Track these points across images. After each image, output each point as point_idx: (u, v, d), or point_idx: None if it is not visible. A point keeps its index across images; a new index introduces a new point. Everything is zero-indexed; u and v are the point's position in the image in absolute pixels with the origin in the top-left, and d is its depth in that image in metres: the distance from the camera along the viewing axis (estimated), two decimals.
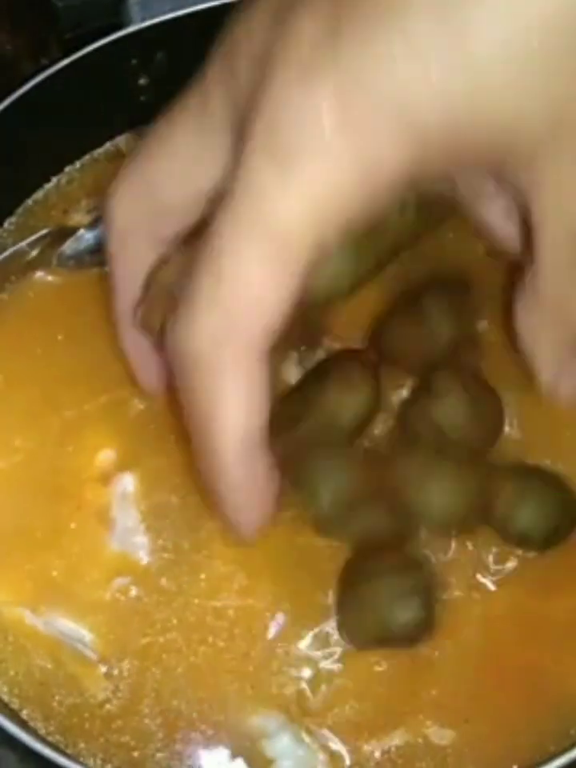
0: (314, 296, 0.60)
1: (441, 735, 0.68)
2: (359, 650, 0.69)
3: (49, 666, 0.70)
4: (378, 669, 0.69)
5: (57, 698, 0.70)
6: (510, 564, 0.71)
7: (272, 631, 0.70)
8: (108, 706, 0.69)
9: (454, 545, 0.71)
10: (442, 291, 0.74)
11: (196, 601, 0.71)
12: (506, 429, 0.73)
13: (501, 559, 0.71)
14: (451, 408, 0.70)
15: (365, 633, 0.68)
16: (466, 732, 0.68)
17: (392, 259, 0.65)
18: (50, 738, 0.69)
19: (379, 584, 0.67)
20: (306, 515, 0.69)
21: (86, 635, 0.70)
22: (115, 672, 0.70)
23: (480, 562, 0.71)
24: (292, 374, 0.74)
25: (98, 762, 0.68)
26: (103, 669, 0.70)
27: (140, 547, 0.72)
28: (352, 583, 0.69)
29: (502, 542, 0.70)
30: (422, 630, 0.67)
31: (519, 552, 0.70)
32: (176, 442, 0.74)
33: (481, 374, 0.73)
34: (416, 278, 0.75)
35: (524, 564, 0.71)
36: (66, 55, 0.82)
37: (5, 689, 0.70)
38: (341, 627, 0.69)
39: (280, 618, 0.70)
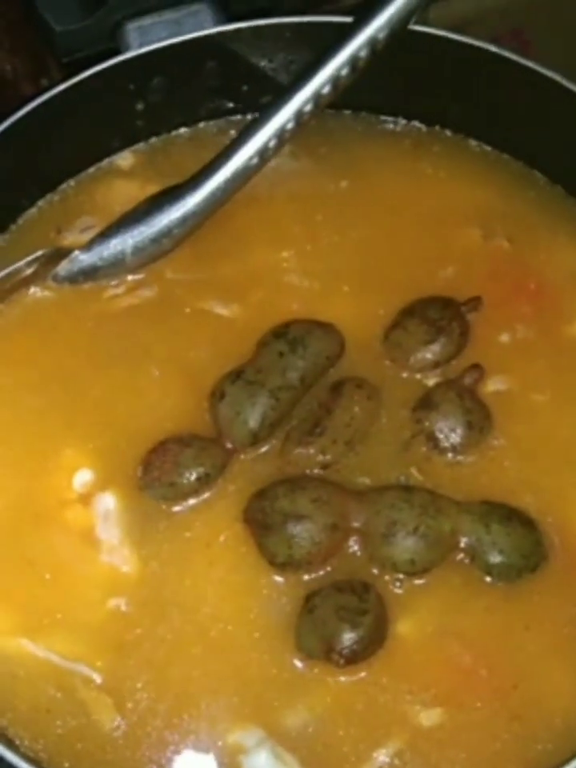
0: (235, 429, 0.75)
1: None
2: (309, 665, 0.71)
3: (58, 695, 0.71)
4: (357, 686, 0.70)
5: (58, 722, 0.70)
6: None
7: (249, 648, 0.71)
8: (102, 724, 0.70)
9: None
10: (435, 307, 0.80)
11: (185, 616, 0.72)
12: (494, 441, 0.77)
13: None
14: (444, 415, 0.76)
15: (312, 649, 0.70)
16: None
17: (286, 393, 0.76)
18: (42, 755, 0.70)
19: (328, 604, 0.70)
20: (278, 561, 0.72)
21: (86, 660, 0.71)
22: (115, 692, 0.71)
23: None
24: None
25: None
26: (102, 685, 0.71)
27: (127, 563, 0.73)
28: (309, 599, 0.71)
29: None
30: (364, 648, 0.70)
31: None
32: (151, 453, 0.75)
33: (476, 392, 0.77)
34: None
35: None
36: (66, 79, 0.83)
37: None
38: (297, 641, 0.71)
39: (257, 636, 0.72)
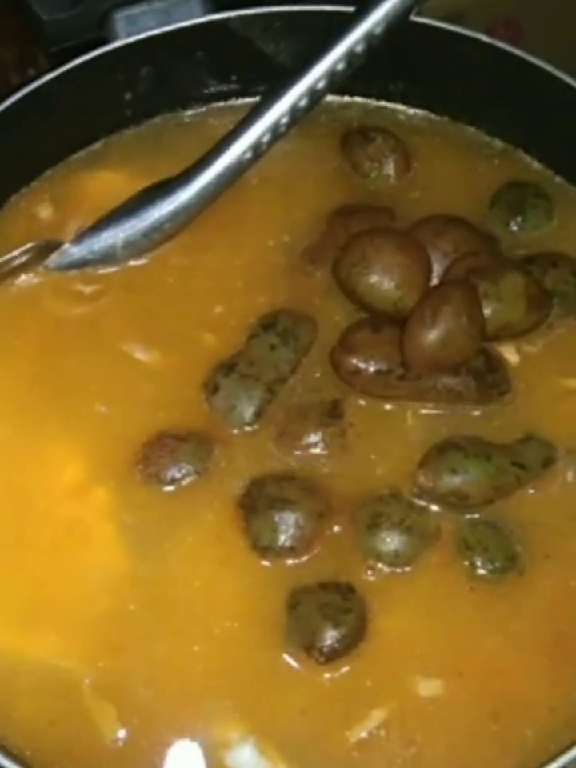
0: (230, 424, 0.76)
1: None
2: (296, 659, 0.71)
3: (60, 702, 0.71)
4: (340, 680, 0.71)
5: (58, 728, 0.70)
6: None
7: (241, 642, 0.72)
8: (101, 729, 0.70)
9: None
10: None
11: (179, 611, 0.72)
12: None
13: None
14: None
15: (294, 644, 0.71)
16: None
17: (280, 386, 0.77)
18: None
19: (311, 601, 0.71)
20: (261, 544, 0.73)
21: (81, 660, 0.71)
22: (114, 691, 0.71)
23: None
24: None
25: None
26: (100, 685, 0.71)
27: (119, 559, 0.74)
28: (293, 596, 0.72)
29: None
30: (345, 647, 0.70)
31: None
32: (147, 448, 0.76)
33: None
34: None
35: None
36: (53, 68, 0.83)
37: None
38: (285, 634, 0.72)
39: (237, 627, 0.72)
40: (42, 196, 0.87)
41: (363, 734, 0.69)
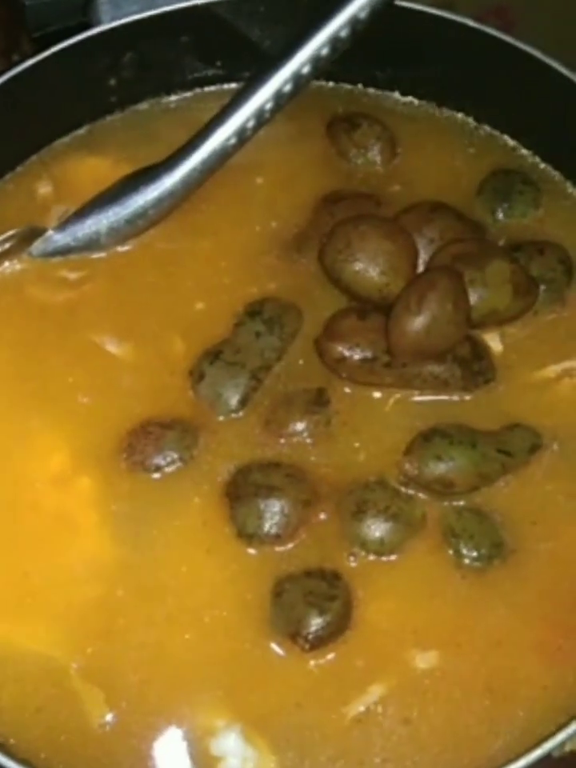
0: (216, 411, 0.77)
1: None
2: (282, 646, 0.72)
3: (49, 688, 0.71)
4: (326, 668, 0.71)
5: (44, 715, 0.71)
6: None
7: (226, 631, 0.72)
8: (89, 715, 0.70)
9: None
10: None
11: (163, 599, 0.72)
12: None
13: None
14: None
15: (279, 632, 0.72)
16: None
17: (265, 373, 0.78)
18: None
19: (296, 588, 0.72)
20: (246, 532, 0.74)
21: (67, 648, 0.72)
22: (101, 678, 0.71)
23: None
24: None
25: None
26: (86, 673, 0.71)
27: (106, 546, 0.74)
28: (279, 584, 0.73)
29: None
30: (330, 634, 0.71)
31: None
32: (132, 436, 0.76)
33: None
34: None
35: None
36: (36, 53, 0.83)
37: None
38: (271, 622, 0.72)
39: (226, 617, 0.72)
40: (28, 184, 0.87)
41: (361, 709, 0.70)
